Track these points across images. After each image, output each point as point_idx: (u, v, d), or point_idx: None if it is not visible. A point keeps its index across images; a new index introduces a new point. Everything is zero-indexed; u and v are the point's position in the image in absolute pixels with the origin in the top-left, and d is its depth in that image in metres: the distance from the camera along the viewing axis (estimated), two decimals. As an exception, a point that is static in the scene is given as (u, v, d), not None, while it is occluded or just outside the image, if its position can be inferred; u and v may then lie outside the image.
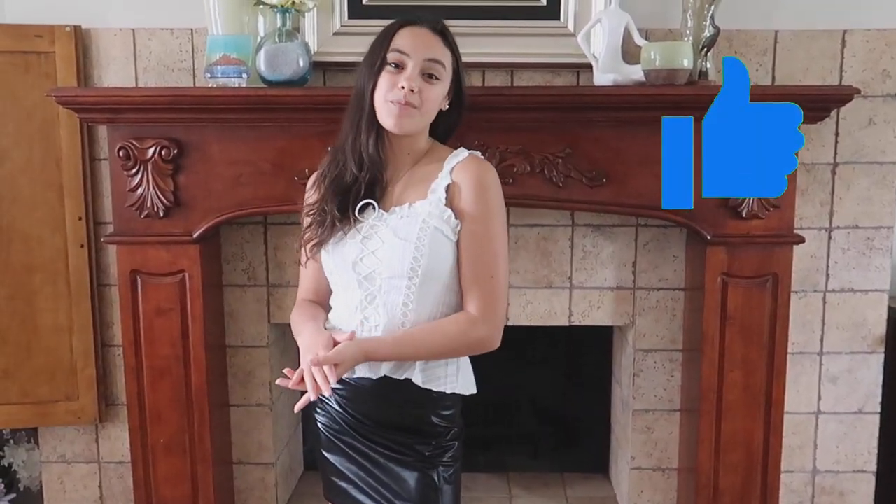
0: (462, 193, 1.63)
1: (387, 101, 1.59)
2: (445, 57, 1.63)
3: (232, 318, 2.60)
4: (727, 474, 2.39)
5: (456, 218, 1.63)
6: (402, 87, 1.58)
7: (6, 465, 2.76)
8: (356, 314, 1.65)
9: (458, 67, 1.68)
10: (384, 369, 1.65)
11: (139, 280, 2.33)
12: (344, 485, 1.73)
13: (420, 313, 1.63)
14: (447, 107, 1.70)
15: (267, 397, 2.64)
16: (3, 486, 2.70)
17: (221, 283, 2.57)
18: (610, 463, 3.02)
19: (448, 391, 1.68)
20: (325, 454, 1.76)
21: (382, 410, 1.67)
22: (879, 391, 2.60)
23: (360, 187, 1.64)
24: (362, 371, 1.66)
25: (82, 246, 2.49)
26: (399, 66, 1.60)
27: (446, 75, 1.64)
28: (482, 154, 1.75)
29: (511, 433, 3.13)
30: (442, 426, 1.69)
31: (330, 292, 1.76)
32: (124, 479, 2.66)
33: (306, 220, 1.71)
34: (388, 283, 1.62)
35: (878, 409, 2.61)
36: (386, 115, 1.60)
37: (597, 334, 2.80)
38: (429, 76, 1.61)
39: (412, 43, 1.60)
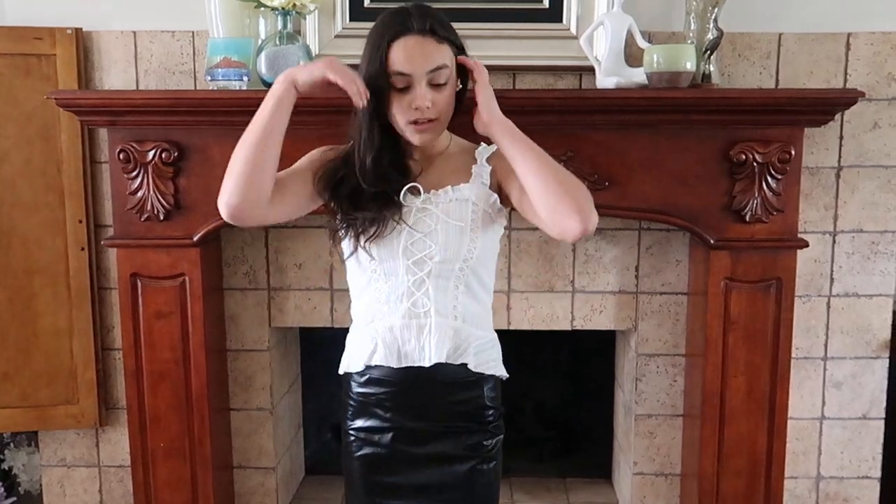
0: (504, 167, 1.62)
1: (407, 123, 1.58)
2: (444, 55, 1.57)
3: (232, 322, 2.59)
4: (730, 480, 2.38)
5: (502, 203, 1.65)
6: (417, 108, 1.56)
7: (6, 468, 2.75)
8: (402, 302, 1.63)
9: (458, 46, 1.61)
10: (438, 356, 1.63)
11: (139, 283, 2.33)
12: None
13: (467, 302, 1.65)
14: (460, 85, 1.65)
15: (268, 401, 2.63)
16: (3, 489, 2.69)
17: (222, 287, 2.56)
18: (612, 468, 3.00)
19: (497, 374, 1.72)
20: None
21: (435, 397, 1.67)
22: (884, 397, 2.58)
23: (396, 173, 1.62)
24: (414, 358, 1.64)
25: (82, 249, 2.49)
26: (404, 87, 1.56)
27: (451, 72, 1.60)
28: None
29: (513, 438, 3.08)
30: (492, 408, 1.71)
31: (270, 190, 1.60)
32: (124, 482, 2.65)
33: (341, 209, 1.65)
34: (438, 268, 1.61)
35: (883, 415, 2.59)
36: (410, 135, 1.60)
37: (599, 338, 2.78)
38: (436, 85, 1.57)
39: (409, 61, 1.54)
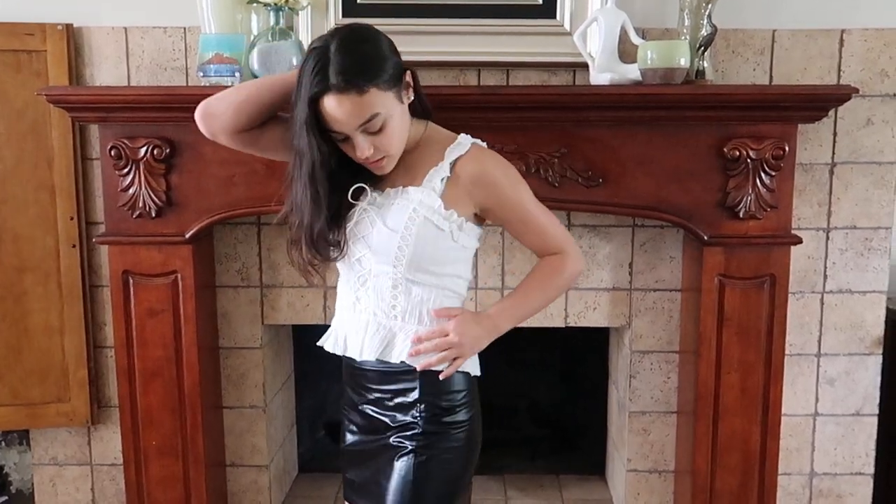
0: (475, 192, 1.63)
1: (361, 161, 1.58)
2: (372, 105, 1.51)
3: (225, 320, 2.58)
4: (724, 476, 2.38)
5: (449, 209, 1.61)
6: (361, 156, 1.56)
7: (-3, 467, 2.74)
8: (351, 294, 1.69)
9: (389, 73, 1.53)
10: (370, 353, 1.65)
11: (131, 280, 2.31)
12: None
13: (410, 299, 1.64)
14: (412, 96, 1.62)
15: (260, 399, 2.62)
16: (-6, 488, 2.68)
17: (214, 284, 2.55)
18: (606, 465, 3.00)
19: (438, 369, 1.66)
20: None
21: (368, 390, 1.71)
22: (877, 393, 2.59)
23: (352, 172, 1.62)
24: (353, 352, 1.69)
25: (74, 246, 2.47)
26: (344, 137, 1.55)
27: (389, 110, 1.54)
28: None
29: (507, 435, 3.11)
30: (425, 403, 1.66)
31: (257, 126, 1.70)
32: (116, 481, 2.64)
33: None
34: (376, 268, 1.63)
35: (876, 412, 2.60)
36: (371, 169, 1.61)
37: (593, 336, 2.78)
38: (374, 132, 1.54)
39: (337, 122, 1.51)
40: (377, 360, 1.65)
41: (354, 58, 1.50)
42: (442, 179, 1.62)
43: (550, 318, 2.56)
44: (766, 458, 2.37)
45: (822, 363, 2.57)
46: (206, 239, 2.45)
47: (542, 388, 3.09)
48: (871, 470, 2.63)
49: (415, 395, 1.66)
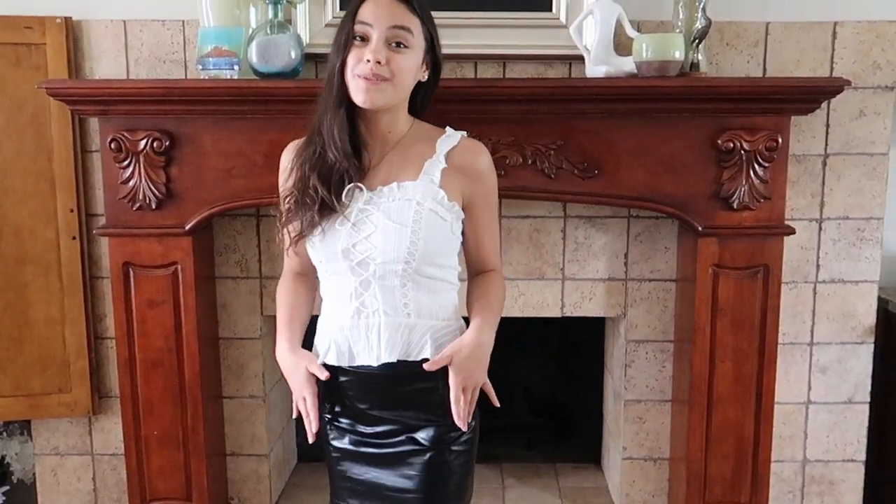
0: (465, 182, 1.65)
1: (354, 76, 1.56)
2: (412, 22, 1.56)
3: (225, 311, 2.60)
4: (718, 464, 2.41)
5: (450, 200, 1.62)
6: (368, 61, 1.54)
7: (-1, 457, 2.76)
8: (351, 302, 1.62)
9: (431, 33, 1.62)
10: (389, 355, 1.62)
11: (132, 272, 2.33)
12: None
13: (419, 297, 1.62)
14: (426, 77, 1.65)
15: (260, 389, 2.65)
16: (-4, 478, 2.70)
17: (214, 276, 2.57)
18: (602, 453, 3.03)
19: None
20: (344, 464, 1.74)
21: (389, 393, 1.66)
22: (869, 381, 2.62)
23: (343, 170, 1.60)
24: (364, 358, 1.64)
25: (74, 238, 2.49)
26: (364, 39, 1.56)
27: (416, 42, 1.58)
28: None
29: (503, 424, 3.14)
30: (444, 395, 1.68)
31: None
32: (118, 470, 2.67)
33: (286, 205, 1.66)
34: (382, 268, 1.59)
35: (868, 399, 2.63)
36: (356, 92, 1.57)
37: (589, 325, 2.81)
38: (396, 45, 1.56)
39: (375, 12, 1.55)
40: (396, 360, 1.63)
41: None
42: (440, 171, 1.62)
43: (547, 307, 2.58)
44: (759, 446, 2.40)
45: (814, 352, 2.60)
46: (206, 231, 2.47)
47: (538, 378, 3.11)
48: (863, 457, 2.66)
49: (436, 390, 1.64)
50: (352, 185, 1.60)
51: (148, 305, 2.35)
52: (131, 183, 2.27)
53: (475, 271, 1.76)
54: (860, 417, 2.64)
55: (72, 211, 2.48)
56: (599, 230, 2.55)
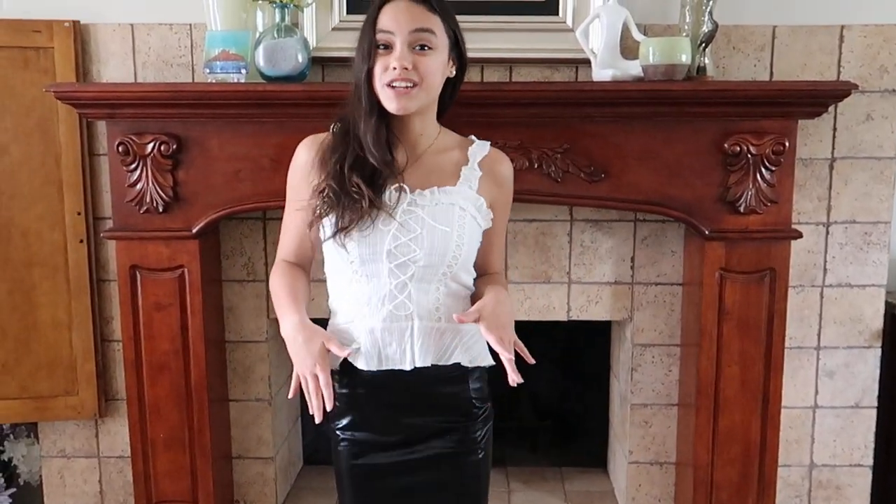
0: (494, 190, 1.68)
1: (383, 85, 1.55)
2: (433, 22, 1.55)
3: (231, 314, 2.60)
4: (724, 468, 2.40)
5: (487, 208, 1.66)
6: (395, 68, 1.53)
7: (6, 459, 2.76)
8: (383, 305, 1.59)
9: (453, 28, 1.61)
10: (423, 360, 1.60)
11: (138, 275, 2.34)
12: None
13: (448, 302, 1.62)
14: (453, 72, 1.65)
15: (266, 392, 2.65)
16: (2, 480, 2.70)
17: (220, 279, 2.57)
18: (608, 457, 3.03)
19: (485, 364, 1.68)
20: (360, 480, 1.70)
21: (418, 396, 1.64)
22: (876, 386, 2.61)
23: (385, 175, 1.58)
24: (395, 361, 1.61)
25: (81, 241, 2.50)
26: (388, 47, 1.55)
27: (440, 41, 1.57)
28: None
29: (509, 428, 3.13)
30: (478, 398, 1.69)
31: (311, 257, 1.70)
32: (124, 473, 2.67)
33: (319, 198, 1.61)
34: (421, 271, 1.58)
35: (875, 404, 2.62)
36: (386, 100, 1.56)
37: (595, 329, 2.81)
38: (420, 47, 1.55)
39: (394, 19, 1.54)
40: (431, 365, 1.61)
41: None
42: (478, 179, 1.65)
43: (553, 311, 2.58)
44: (766, 450, 2.39)
45: (821, 356, 2.60)
46: (213, 234, 2.47)
47: (544, 381, 3.11)
48: (870, 462, 2.65)
49: (466, 392, 1.66)
50: (396, 185, 1.59)
51: (155, 308, 2.35)
52: (138, 186, 2.28)
53: (478, 274, 1.75)
54: (867, 422, 2.63)
55: (79, 214, 2.49)
56: (606, 234, 2.55)
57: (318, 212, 1.60)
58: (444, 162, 1.66)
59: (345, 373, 1.64)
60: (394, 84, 1.54)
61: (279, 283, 1.66)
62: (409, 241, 1.57)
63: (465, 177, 1.64)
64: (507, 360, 1.52)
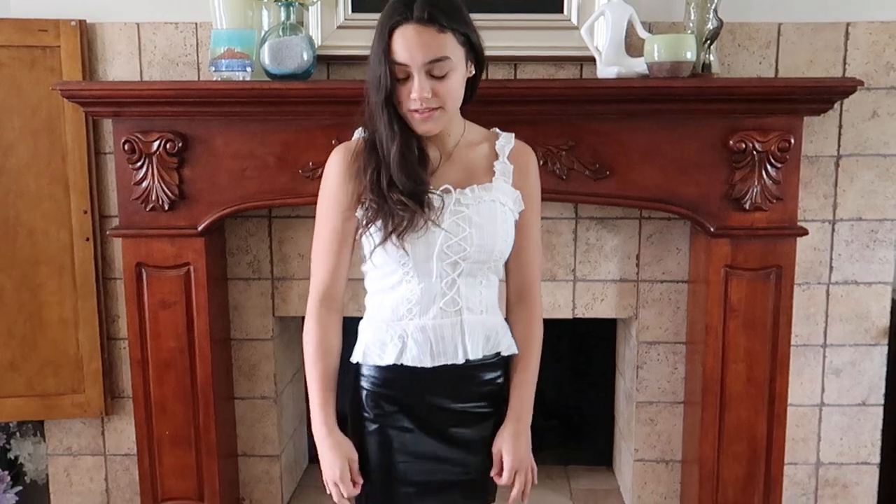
0: (523, 181, 1.70)
1: (408, 111, 1.58)
2: (446, 46, 1.55)
3: (236, 311, 2.61)
4: (731, 466, 2.40)
5: (521, 202, 1.70)
6: (415, 99, 1.55)
7: (12, 457, 2.77)
8: (434, 303, 1.63)
9: (466, 34, 1.59)
10: (474, 352, 1.66)
11: (144, 273, 2.34)
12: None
13: (488, 295, 1.69)
14: (472, 72, 1.66)
15: (272, 390, 2.65)
16: (9, 478, 2.71)
17: (226, 277, 2.58)
18: (614, 455, 3.03)
19: (514, 352, 1.74)
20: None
21: (464, 385, 1.69)
22: (883, 383, 2.60)
23: (418, 191, 1.60)
24: (448, 356, 1.65)
25: (88, 239, 2.50)
26: (405, 76, 1.56)
27: (456, 60, 1.57)
28: None
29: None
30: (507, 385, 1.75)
31: (345, 282, 1.71)
32: (130, 471, 2.68)
33: (364, 209, 1.63)
34: (471, 267, 1.63)
35: (882, 402, 2.61)
36: (414, 124, 1.60)
37: (600, 327, 2.80)
38: (438, 76, 1.56)
39: (407, 50, 1.53)
40: (482, 356, 1.68)
41: (428, 6, 1.54)
42: (511, 172, 1.68)
43: (558, 309, 2.58)
44: (772, 448, 2.39)
45: (827, 354, 2.59)
46: (218, 232, 2.48)
47: (549, 379, 3.08)
48: (877, 459, 2.65)
49: (500, 379, 1.73)
50: (443, 187, 1.62)
51: (160, 306, 2.36)
52: (144, 184, 2.29)
53: (516, 284, 1.76)
54: (874, 420, 2.62)
55: (85, 212, 2.49)
56: (611, 231, 2.55)
57: (366, 221, 1.63)
58: (475, 157, 1.69)
59: (390, 368, 1.67)
60: (417, 111, 1.57)
61: (313, 361, 1.71)
62: (459, 240, 1.61)
63: (499, 172, 1.68)
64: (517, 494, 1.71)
